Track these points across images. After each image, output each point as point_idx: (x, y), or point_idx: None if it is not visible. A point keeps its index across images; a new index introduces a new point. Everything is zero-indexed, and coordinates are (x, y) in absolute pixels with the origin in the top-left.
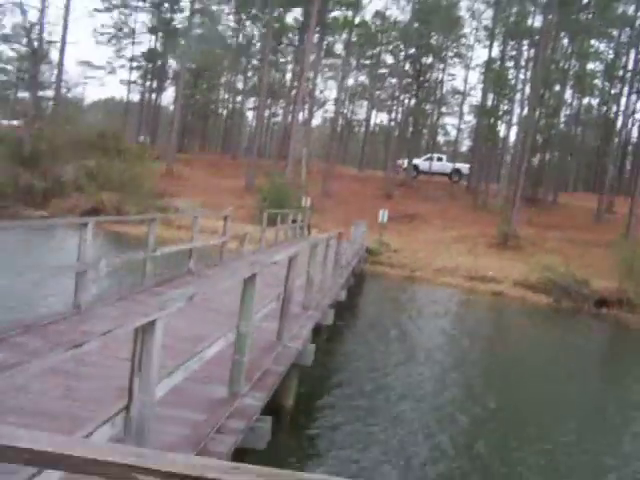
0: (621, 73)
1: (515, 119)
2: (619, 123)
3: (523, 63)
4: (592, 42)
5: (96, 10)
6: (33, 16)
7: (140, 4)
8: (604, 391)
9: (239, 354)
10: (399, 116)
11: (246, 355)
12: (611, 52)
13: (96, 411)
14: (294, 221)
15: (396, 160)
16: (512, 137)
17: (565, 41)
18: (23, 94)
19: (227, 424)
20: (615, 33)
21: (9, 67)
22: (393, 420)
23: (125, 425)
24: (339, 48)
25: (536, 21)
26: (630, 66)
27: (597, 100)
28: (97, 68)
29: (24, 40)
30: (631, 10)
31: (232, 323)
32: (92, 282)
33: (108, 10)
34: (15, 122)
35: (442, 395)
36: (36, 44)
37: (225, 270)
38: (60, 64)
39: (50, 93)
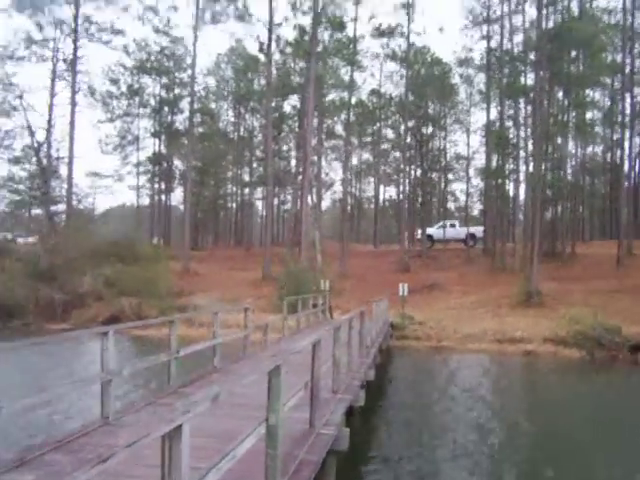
0: (620, 118)
1: (522, 176)
2: (626, 167)
3: (522, 121)
4: (587, 92)
5: (99, 122)
6: (40, 136)
7: (141, 111)
8: None
9: (271, 448)
10: (407, 188)
11: (279, 448)
12: (607, 99)
13: None
14: (315, 305)
15: (409, 232)
16: (522, 195)
17: (560, 94)
18: (37, 211)
19: None
20: (608, 80)
21: (21, 187)
22: None
23: None
24: (339, 129)
25: (529, 79)
26: (628, 110)
27: (601, 147)
28: (105, 177)
29: (33, 159)
30: (619, 58)
31: (260, 415)
32: (118, 390)
33: (111, 121)
34: (31, 239)
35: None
36: (45, 162)
37: (249, 364)
38: (69, 178)
39: (62, 207)
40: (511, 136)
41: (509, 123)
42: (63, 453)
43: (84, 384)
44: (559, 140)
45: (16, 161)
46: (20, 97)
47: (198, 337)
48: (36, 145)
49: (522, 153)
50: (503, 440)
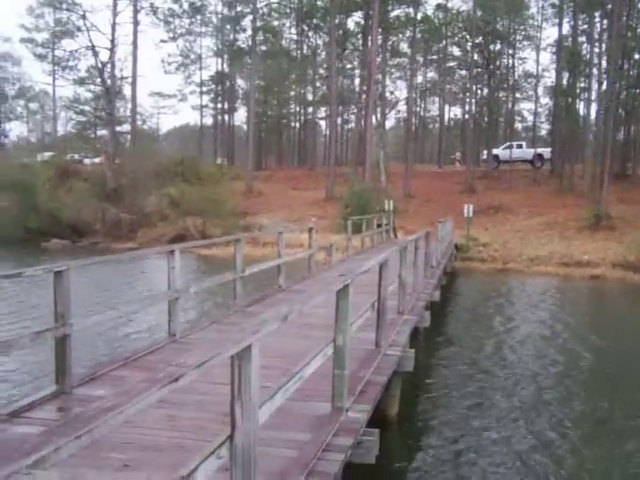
0: None
1: (594, 95)
2: None
3: (596, 36)
4: None
5: (162, 41)
6: (104, 56)
7: (203, 29)
8: None
9: (339, 368)
10: (473, 108)
11: (346, 368)
12: None
13: (200, 440)
14: (379, 225)
15: (473, 152)
16: (592, 114)
17: None
18: (102, 131)
19: (334, 441)
20: None
21: (87, 108)
22: (502, 417)
23: (231, 455)
24: (404, 47)
25: None
26: None
27: None
28: (168, 97)
29: (98, 80)
30: None
31: (326, 336)
32: (185, 308)
33: (173, 40)
34: (97, 160)
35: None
36: (109, 82)
37: (315, 283)
38: (133, 98)
39: (127, 127)
40: (584, 52)
41: (582, 39)
42: (132, 370)
43: (152, 302)
44: (637, 56)
45: (81, 82)
46: (83, 17)
47: (262, 256)
48: (100, 65)
49: (595, 71)
50: (570, 368)
